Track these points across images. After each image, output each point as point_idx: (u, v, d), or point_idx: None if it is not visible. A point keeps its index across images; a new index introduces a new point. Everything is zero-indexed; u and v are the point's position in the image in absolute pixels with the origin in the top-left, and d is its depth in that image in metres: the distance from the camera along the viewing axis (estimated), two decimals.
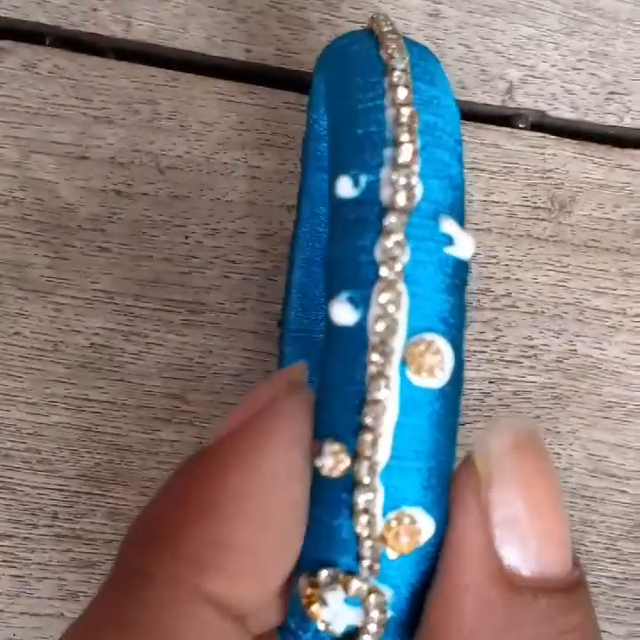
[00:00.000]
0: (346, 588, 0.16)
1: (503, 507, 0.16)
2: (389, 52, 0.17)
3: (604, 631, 0.28)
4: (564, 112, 0.29)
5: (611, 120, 0.29)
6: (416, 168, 0.16)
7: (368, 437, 0.16)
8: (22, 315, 0.27)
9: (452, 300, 0.17)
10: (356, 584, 0.16)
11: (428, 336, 0.16)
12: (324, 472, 0.16)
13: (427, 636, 0.16)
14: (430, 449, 0.16)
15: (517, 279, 0.28)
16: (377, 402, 0.16)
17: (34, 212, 0.27)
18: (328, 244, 0.17)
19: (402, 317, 0.16)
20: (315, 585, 0.16)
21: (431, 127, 0.17)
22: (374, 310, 0.16)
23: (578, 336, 0.28)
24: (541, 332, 0.28)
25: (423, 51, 0.19)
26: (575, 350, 0.28)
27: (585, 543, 0.28)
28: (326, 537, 0.16)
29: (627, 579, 0.28)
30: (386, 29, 0.18)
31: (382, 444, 0.16)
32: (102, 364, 0.27)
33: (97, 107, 0.28)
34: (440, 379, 0.16)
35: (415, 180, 0.16)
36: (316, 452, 0.16)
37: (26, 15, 0.28)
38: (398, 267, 0.16)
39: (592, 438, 0.28)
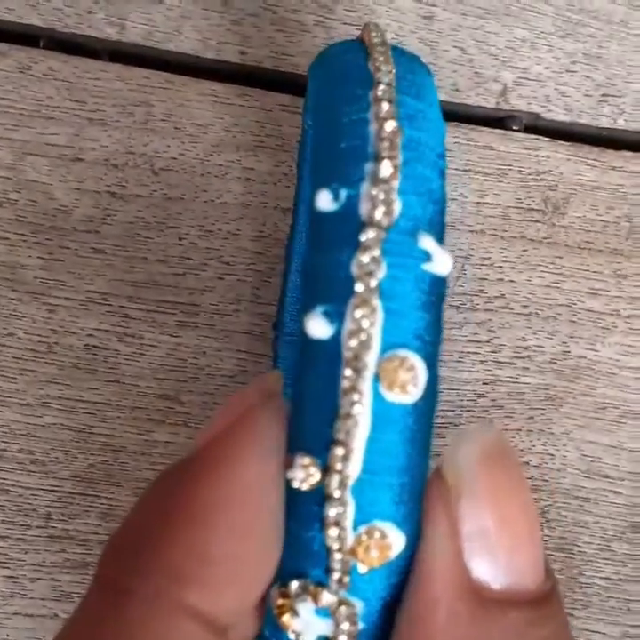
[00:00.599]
0: (316, 599, 0.16)
1: (472, 519, 0.16)
2: (376, 64, 0.17)
3: (598, 632, 0.28)
4: (557, 114, 0.29)
5: (604, 122, 0.29)
6: (395, 184, 0.16)
7: (339, 452, 0.16)
8: (16, 316, 0.27)
9: (428, 317, 0.17)
10: (326, 596, 0.16)
11: (402, 352, 0.16)
12: (295, 485, 0.16)
13: None
14: (402, 464, 0.16)
15: (511, 281, 0.28)
16: (349, 416, 0.16)
17: (28, 213, 0.27)
18: (306, 256, 0.17)
19: (376, 333, 0.16)
20: (286, 595, 0.16)
21: (414, 142, 0.17)
22: (349, 325, 0.16)
23: (571, 337, 0.28)
24: (535, 334, 0.28)
25: (413, 62, 0.19)
26: (569, 351, 0.28)
27: (578, 544, 0.28)
28: (297, 548, 0.16)
29: (620, 579, 0.28)
30: (375, 40, 0.18)
31: (353, 459, 0.16)
32: (96, 365, 0.27)
33: (91, 109, 0.28)
34: (413, 394, 0.16)
35: (394, 196, 0.16)
36: (289, 465, 0.16)
37: (20, 17, 0.28)
38: (374, 282, 0.16)
39: (586, 439, 0.28)
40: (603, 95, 0.29)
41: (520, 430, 0.28)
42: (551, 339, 0.28)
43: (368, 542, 0.16)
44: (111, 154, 0.28)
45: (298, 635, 0.17)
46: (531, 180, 0.29)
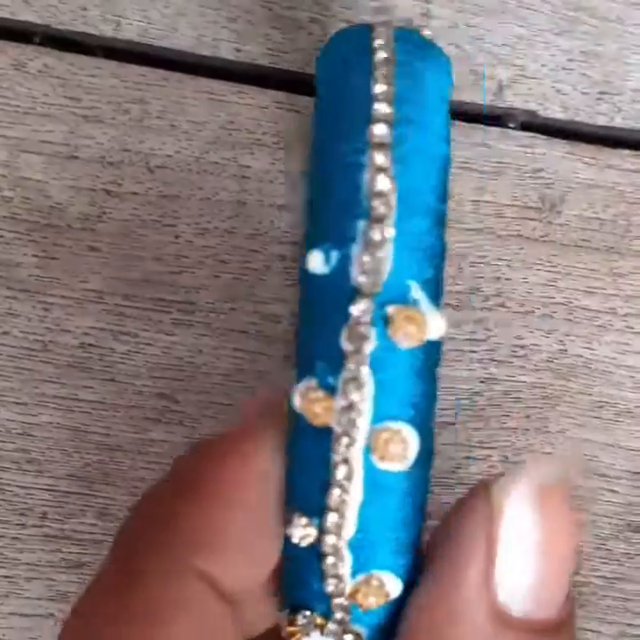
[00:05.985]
0: (322, 630, 0.17)
1: (511, 547, 0.16)
2: (376, 90, 0.16)
3: (595, 631, 0.28)
4: (554, 112, 0.29)
5: (601, 120, 0.29)
6: (387, 247, 0.16)
7: (333, 518, 0.16)
8: (11, 314, 0.27)
9: (422, 384, 0.16)
10: (331, 627, 0.17)
11: (394, 425, 0.16)
12: (294, 541, 0.17)
13: None
14: (397, 522, 0.17)
15: (507, 279, 0.28)
16: (340, 485, 0.16)
17: (23, 211, 0.27)
18: (299, 321, 0.17)
19: (366, 408, 0.16)
20: (293, 623, 0.17)
21: (412, 192, 0.16)
22: (339, 401, 0.16)
23: (568, 336, 0.28)
24: (531, 332, 0.28)
25: (425, 68, 0.17)
26: (565, 350, 0.28)
27: None
28: (301, 588, 0.17)
29: (617, 578, 0.28)
30: (379, 56, 0.16)
31: (347, 523, 0.16)
32: (92, 363, 0.27)
33: (86, 106, 0.28)
34: (405, 464, 0.16)
35: (385, 263, 0.16)
36: (287, 521, 0.17)
37: (14, 14, 0.28)
38: (362, 356, 0.16)
39: (582, 438, 0.28)
40: (600, 93, 0.29)
41: (516, 429, 0.28)
42: (548, 337, 0.28)
43: (366, 590, 0.17)
44: (106, 151, 0.28)
45: None
46: (527, 178, 0.29)
